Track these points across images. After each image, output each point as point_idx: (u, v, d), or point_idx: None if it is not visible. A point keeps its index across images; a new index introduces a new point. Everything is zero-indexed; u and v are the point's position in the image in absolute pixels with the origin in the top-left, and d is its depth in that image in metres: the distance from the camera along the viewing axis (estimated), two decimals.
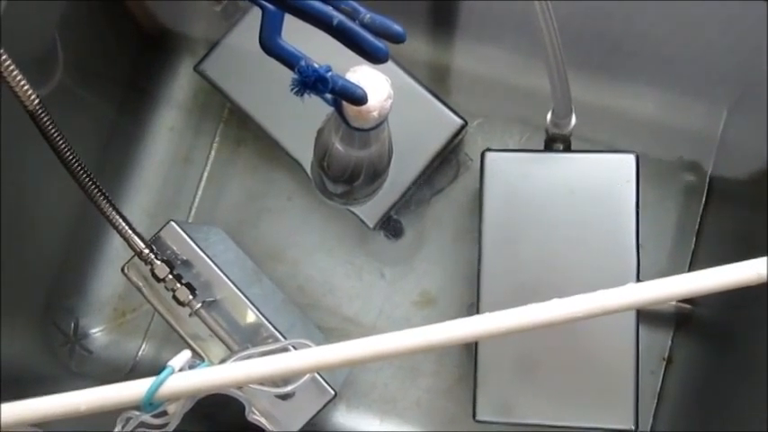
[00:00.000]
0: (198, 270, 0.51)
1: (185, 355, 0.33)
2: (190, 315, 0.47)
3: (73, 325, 0.61)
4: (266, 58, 0.33)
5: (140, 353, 0.62)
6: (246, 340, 0.50)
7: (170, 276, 0.47)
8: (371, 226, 0.58)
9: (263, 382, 0.41)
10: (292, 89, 0.31)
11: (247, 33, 0.59)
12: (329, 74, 0.30)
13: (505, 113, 0.65)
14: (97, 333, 0.62)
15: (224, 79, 0.60)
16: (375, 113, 0.33)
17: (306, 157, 0.57)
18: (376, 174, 0.44)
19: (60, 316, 0.61)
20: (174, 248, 0.51)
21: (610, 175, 0.54)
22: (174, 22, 0.64)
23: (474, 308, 0.54)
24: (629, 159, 0.54)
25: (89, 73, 0.57)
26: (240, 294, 0.51)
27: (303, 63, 0.30)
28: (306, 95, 0.31)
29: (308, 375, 0.41)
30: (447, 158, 0.64)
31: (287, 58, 0.30)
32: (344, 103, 0.33)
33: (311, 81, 0.30)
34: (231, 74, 0.59)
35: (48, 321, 0.60)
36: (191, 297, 0.47)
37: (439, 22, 0.66)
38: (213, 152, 0.65)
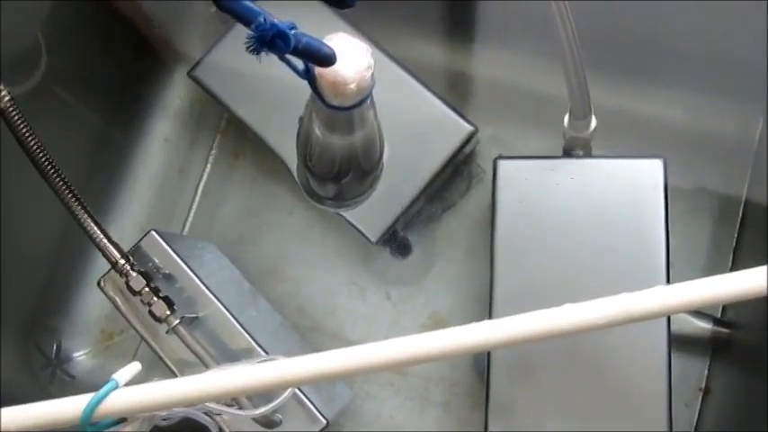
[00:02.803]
0: (181, 285, 0.47)
1: (134, 367, 0.28)
2: (167, 332, 0.43)
3: (55, 347, 0.57)
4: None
5: None
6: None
7: (146, 289, 0.43)
8: (374, 240, 0.54)
9: (229, 399, 0.36)
10: (248, 47, 0.27)
11: (244, 37, 0.56)
12: (292, 31, 0.26)
13: (522, 121, 0.60)
14: (81, 356, 0.58)
15: (219, 85, 0.56)
16: (353, 86, 0.29)
17: None
18: (366, 169, 0.40)
19: (42, 337, 0.57)
20: (156, 261, 0.47)
21: (635, 183, 0.49)
22: (169, 26, 0.60)
23: None
24: (657, 165, 0.49)
25: (76, 77, 0.54)
26: (226, 313, 0.47)
27: (262, 18, 0.26)
28: (264, 55, 0.27)
29: (286, 394, 0.36)
30: (458, 171, 0.60)
31: (243, 14, 0.26)
32: (318, 74, 0.29)
33: (269, 37, 0.25)
34: (227, 80, 0.56)
35: (29, 342, 0.56)
36: (168, 312, 0.42)
37: (456, 26, 0.62)
38: (209, 165, 0.62)
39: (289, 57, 0.28)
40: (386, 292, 0.60)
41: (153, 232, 0.47)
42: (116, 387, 0.27)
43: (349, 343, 0.59)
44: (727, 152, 0.57)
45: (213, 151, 0.62)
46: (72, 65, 0.53)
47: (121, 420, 0.31)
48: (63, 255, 0.57)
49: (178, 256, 0.47)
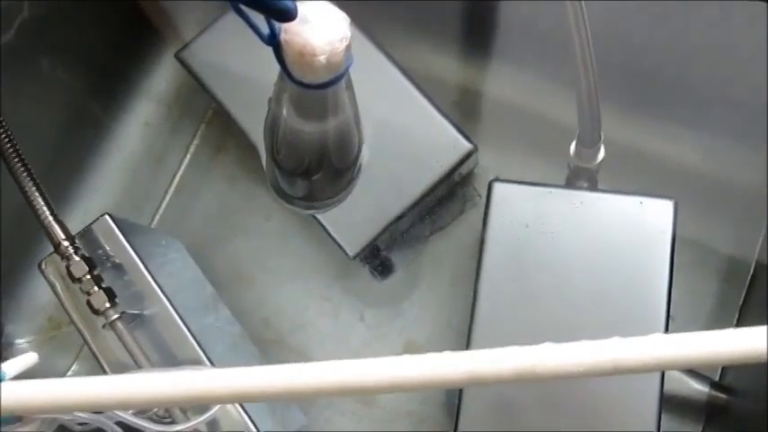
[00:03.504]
0: (130, 278, 0.42)
1: (28, 358, 0.24)
2: (103, 326, 0.39)
3: None
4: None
5: (68, 373, 0.53)
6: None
7: (88, 277, 0.38)
8: (352, 254, 0.49)
9: (161, 410, 0.31)
10: None
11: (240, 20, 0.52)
12: None
13: (527, 148, 0.56)
14: (23, 344, 0.53)
15: (207, 71, 0.52)
16: (322, 59, 0.25)
17: None
18: (339, 166, 0.35)
19: None
20: (107, 248, 0.43)
21: (641, 224, 0.45)
22: (167, 5, 0.57)
23: None
24: (667, 207, 0.44)
25: (59, 40, 0.50)
26: (175, 315, 0.42)
27: None
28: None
29: (212, 411, 0.32)
30: (453, 192, 0.56)
31: None
32: (284, 41, 0.25)
33: None
34: (216, 66, 0.52)
35: None
36: (107, 305, 0.38)
37: (472, 40, 0.59)
38: (189, 155, 0.58)
39: (247, 12, 0.24)
40: (360, 312, 0.55)
41: (107, 216, 0.43)
42: (2, 379, 0.23)
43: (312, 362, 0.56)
44: (742, 204, 0.53)
45: (195, 141, 0.58)
46: (52, 31, 0.50)
47: (18, 419, 0.26)
48: (16, 229, 0.52)
49: (131, 246, 0.43)
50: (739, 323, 0.51)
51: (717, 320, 0.51)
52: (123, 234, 0.43)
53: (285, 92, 0.29)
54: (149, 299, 0.42)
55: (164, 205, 0.57)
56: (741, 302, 0.51)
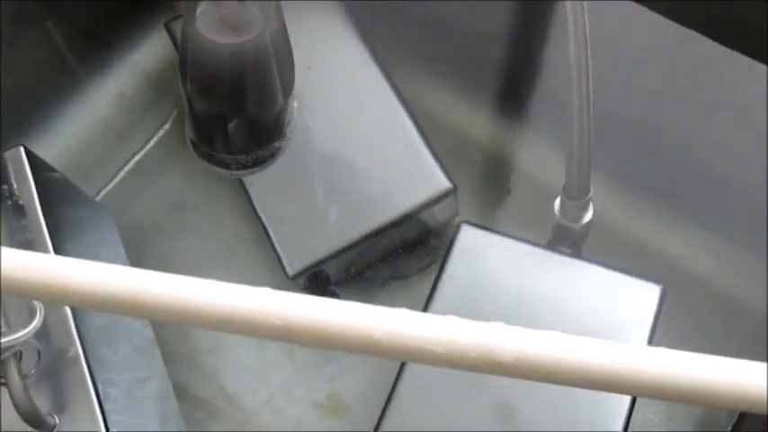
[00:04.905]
0: (26, 223, 0.37)
1: None
2: None
3: None
4: None
5: None
6: (45, 370, 0.34)
7: None
8: (291, 273, 0.43)
9: None
10: None
11: None
12: None
13: (519, 216, 0.50)
14: None
15: None
16: None
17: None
18: (259, 111, 0.30)
19: None
20: (15, 185, 0.38)
21: (621, 305, 0.38)
22: None
23: None
24: (653, 292, 0.38)
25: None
26: None
27: None
28: None
29: (35, 323, 0.26)
30: (425, 240, 0.50)
31: None
32: None
33: None
34: None
35: None
36: None
37: (507, 100, 0.54)
38: (155, 139, 0.53)
39: None
40: (290, 348, 0.48)
41: (21, 148, 0.38)
42: None
43: (223, 393, 0.48)
44: (734, 316, 0.46)
45: (166, 126, 0.53)
46: None
47: None
48: None
49: (37, 189, 0.37)
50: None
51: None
52: (33, 175, 0.38)
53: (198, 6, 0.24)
54: (40, 251, 0.36)
55: (114, 183, 0.52)
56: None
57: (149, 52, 0.54)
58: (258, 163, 0.33)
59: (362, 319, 0.15)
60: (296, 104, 0.35)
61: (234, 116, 0.29)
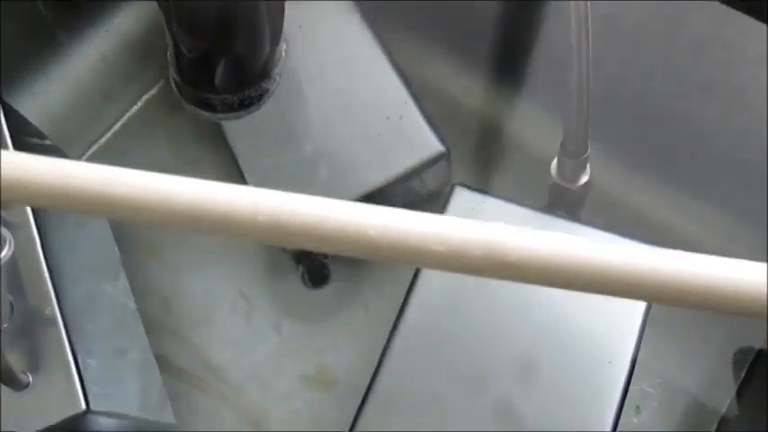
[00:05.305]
0: None
1: None
2: None
3: None
4: None
5: None
6: (20, 327, 0.32)
7: None
8: None
9: None
10: None
11: None
12: None
13: (515, 179, 0.49)
14: None
15: None
16: None
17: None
18: (246, 49, 0.28)
19: None
20: None
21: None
22: None
23: None
24: None
25: None
26: (41, 254, 0.34)
27: None
28: None
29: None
30: (415, 208, 0.48)
31: None
32: None
33: None
34: None
35: None
36: None
37: (500, 70, 0.53)
38: (140, 104, 0.51)
39: None
40: (277, 321, 0.47)
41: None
42: None
43: (208, 365, 0.47)
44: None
45: (152, 92, 0.52)
46: None
47: None
48: None
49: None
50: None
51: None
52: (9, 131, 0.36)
53: None
54: (22, 226, 0.35)
55: (95, 147, 0.50)
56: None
57: (131, 15, 0.52)
58: (245, 105, 0.31)
59: (357, 215, 0.13)
60: (285, 46, 0.33)
61: (220, 53, 0.27)
